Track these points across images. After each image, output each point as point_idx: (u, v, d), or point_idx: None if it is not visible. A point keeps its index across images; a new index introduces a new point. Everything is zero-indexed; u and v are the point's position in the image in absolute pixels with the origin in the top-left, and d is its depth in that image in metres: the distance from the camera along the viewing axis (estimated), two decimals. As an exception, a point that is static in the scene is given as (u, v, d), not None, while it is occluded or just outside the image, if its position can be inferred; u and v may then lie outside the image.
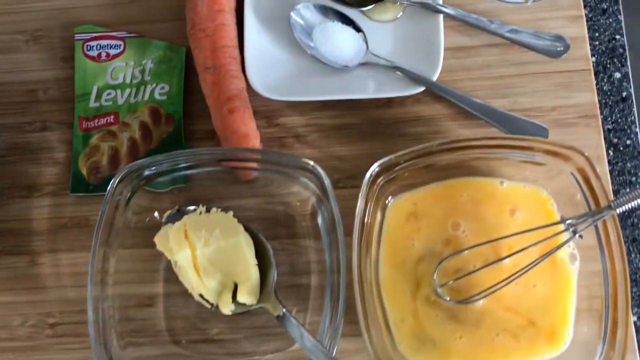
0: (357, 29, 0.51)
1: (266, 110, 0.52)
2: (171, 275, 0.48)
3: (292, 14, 0.50)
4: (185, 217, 0.47)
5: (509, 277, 0.43)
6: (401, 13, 0.51)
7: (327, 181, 0.43)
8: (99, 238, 0.44)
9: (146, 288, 0.48)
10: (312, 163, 0.43)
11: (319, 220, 0.47)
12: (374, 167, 0.42)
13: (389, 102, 0.51)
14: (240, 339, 0.48)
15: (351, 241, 0.43)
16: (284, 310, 0.44)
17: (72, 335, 0.49)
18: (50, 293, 0.50)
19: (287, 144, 0.51)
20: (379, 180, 0.44)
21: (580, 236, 0.40)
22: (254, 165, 0.48)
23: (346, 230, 0.43)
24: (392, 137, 0.50)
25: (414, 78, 0.49)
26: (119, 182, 0.44)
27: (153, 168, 0.45)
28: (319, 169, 0.43)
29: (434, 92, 0.50)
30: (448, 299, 0.44)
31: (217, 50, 0.49)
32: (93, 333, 0.42)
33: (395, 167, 0.44)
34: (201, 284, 0.45)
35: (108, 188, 0.44)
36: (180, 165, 0.46)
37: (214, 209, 0.48)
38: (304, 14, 0.50)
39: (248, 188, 0.50)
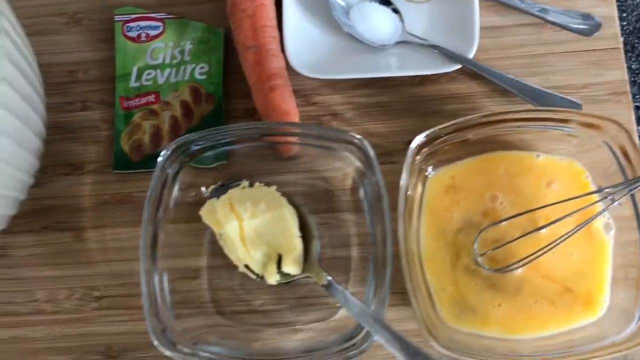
0: (394, 9, 0.52)
1: (303, 89, 0.53)
2: (215, 249, 0.49)
3: (330, -7, 0.52)
4: (229, 191, 0.48)
5: (546, 246, 0.44)
6: (435, -6, 0.53)
7: (372, 154, 0.44)
8: (149, 213, 0.45)
9: (191, 261, 0.49)
10: (358, 136, 0.44)
11: (361, 194, 0.48)
12: (419, 139, 0.43)
13: (423, 80, 0.52)
14: (283, 309, 0.49)
15: (394, 214, 0.44)
16: (329, 278, 0.45)
17: (116, 308, 0.50)
18: (95, 267, 0.51)
19: (325, 121, 0.52)
20: (420, 154, 0.45)
21: (620, 204, 0.42)
22: (295, 140, 0.50)
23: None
24: (427, 114, 0.52)
25: (450, 56, 0.50)
26: (167, 157, 0.46)
27: (200, 143, 0.47)
28: (365, 143, 0.44)
29: (467, 71, 0.51)
30: (487, 268, 0.45)
31: (258, 30, 0.51)
32: (147, 305, 0.44)
33: (435, 140, 0.45)
34: (247, 255, 0.47)
35: (158, 163, 0.45)
36: (224, 141, 0.47)
37: (257, 184, 0.49)
38: (342, -7, 0.52)
39: (288, 164, 0.51)
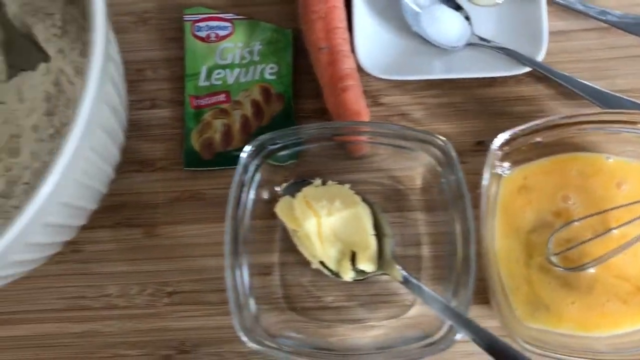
0: (462, 12, 0.53)
1: (370, 90, 0.54)
2: (285, 245, 0.50)
3: (401, -4, 0.53)
4: (304, 189, 0.49)
5: (620, 247, 0.45)
6: (502, 0, 0.54)
7: (454, 154, 0.45)
8: (232, 209, 0.46)
9: (264, 257, 0.50)
10: (442, 138, 0.45)
11: (434, 193, 0.49)
12: (501, 138, 0.44)
13: (491, 82, 0.53)
14: (354, 306, 0.50)
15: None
16: (406, 274, 0.46)
17: (188, 304, 0.51)
18: (166, 263, 0.52)
19: (393, 122, 0.53)
20: (497, 154, 0.46)
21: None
22: (365, 139, 0.51)
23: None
24: (495, 115, 0.52)
25: (519, 59, 0.51)
26: (249, 155, 0.47)
27: (278, 142, 0.48)
28: (449, 145, 0.45)
29: (534, 73, 0.52)
30: (561, 267, 0.46)
31: (330, 32, 0.51)
32: (233, 300, 0.44)
33: (513, 141, 0.46)
34: (324, 252, 0.48)
35: (240, 160, 0.46)
36: (299, 140, 0.48)
37: (329, 182, 0.50)
38: (412, -4, 0.53)
39: (357, 163, 0.52)
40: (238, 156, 0.51)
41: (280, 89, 0.54)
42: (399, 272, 0.46)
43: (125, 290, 0.51)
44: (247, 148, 0.46)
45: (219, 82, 0.54)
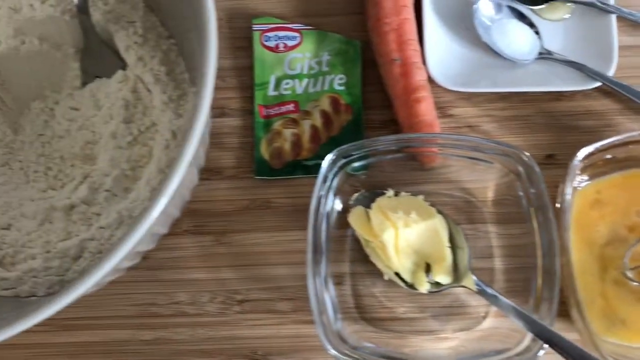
0: (532, 26, 0.53)
1: (439, 102, 0.54)
2: (357, 255, 0.51)
3: (473, 8, 0.53)
4: (377, 200, 0.49)
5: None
6: (569, 15, 0.54)
7: (537, 169, 0.45)
8: (314, 218, 0.46)
9: (336, 267, 0.50)
10: (527, 153, 0.46)
11: (508, 206, 0.49)
12: (583, 153, 0.45)
13: (559, 96, 0.54)
14: (427, 318, 0.50)
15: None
16: (484, 285, 0.46)
17: (259, 312, 0.51)
18: (236, 271, 0.52)
19: (461, 134, 0.54)
20: (577, 168, 0.46)
21: None
22: (437, 151, 0.51)
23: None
24: (563, 129, 0.53)
25: (589, 73, 0.51)
26: (328, 165, 0.47)
27: (356, 153, 0.48)
28: (532, 160, 0.46)
29: (602, 88, 0.53)
30: (637, 282, 0.47)
31: (403, 44, 0.52)
32: (316, 310, 0.45)
33: (590, 156, 0.47)
34: (399, 264, 0.48)
35: (321, 170, 0.47)
36: (376, 150, 0.49)
37: (402, 193, 0.50)
38: (483, 9, 0.53)
39: (427, 174, 0.52)
40: (308, 166, 0.52)
41: (349, 100, 0.54)
42: (476, 283, 0.47)
43: (195, 298, 0.51)
44: (329, 158, 0.47)
45: (288, 92, 0.55)
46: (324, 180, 0.47)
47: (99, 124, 0.49)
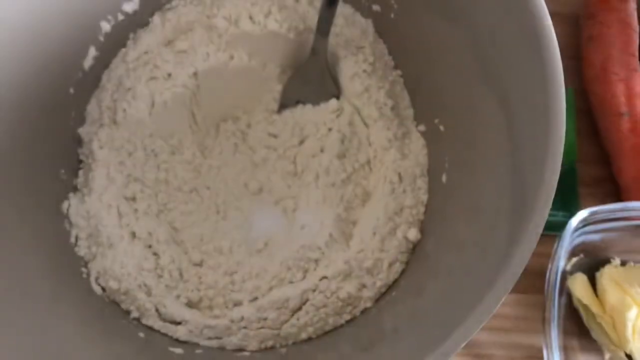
0: None
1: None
2: (572, 328, 0.45)
3: None
4: (605, 269, 0.44)
5: None
6: None
7: None
8: (551, 283, 0.41)
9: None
10: None
11: None
12: None
13: None
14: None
15: None
16: None
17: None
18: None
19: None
20: None
21: None
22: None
23: None
24: None
25: None
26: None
27: (600, 217, 0.43)
28: None
29: None
30: None
31: (633, 97, 0.47)
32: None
33: None
34: (634, 345, 0.43)
35: (568, 229, 0.42)
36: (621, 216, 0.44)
37: (630, 263, 0.45)
38: None
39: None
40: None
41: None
42: None
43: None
44: (576, 220, 0.42)
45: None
46: (563, 242, 0.42)
47: (304, 155, 0.44)
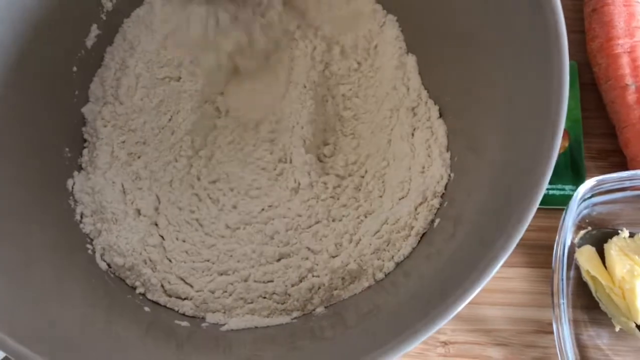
0: None
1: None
2: (580, 301, 0.45)
3: None
4: (613, 240, 0.44)
5: None
6: None
7: None
8: (561, 257, 0.41)
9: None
10: None
11: None
12: None
13: None
14: None
15: None
16: None
17: (465, 357, 0.45)
18: (437, 308, 0.46)
19: None
20: None
21: None
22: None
23: None
24: None
25: None
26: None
27: (604, 187, 0.43)
28: None
29: None
30: None
31: (638, 69, 0.47)
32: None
33: None
34: (642, 314, 0.42)
35: (573, 201, 0.41)
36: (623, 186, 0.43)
37: (638, 234, 0.45)
38: None
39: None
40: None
41: (567, 125, 0.49)
42: None
43: (392, 335, 0.46)
44: (582, 189, 0.41)
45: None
46: (570, 213, 0.42)
47: None
